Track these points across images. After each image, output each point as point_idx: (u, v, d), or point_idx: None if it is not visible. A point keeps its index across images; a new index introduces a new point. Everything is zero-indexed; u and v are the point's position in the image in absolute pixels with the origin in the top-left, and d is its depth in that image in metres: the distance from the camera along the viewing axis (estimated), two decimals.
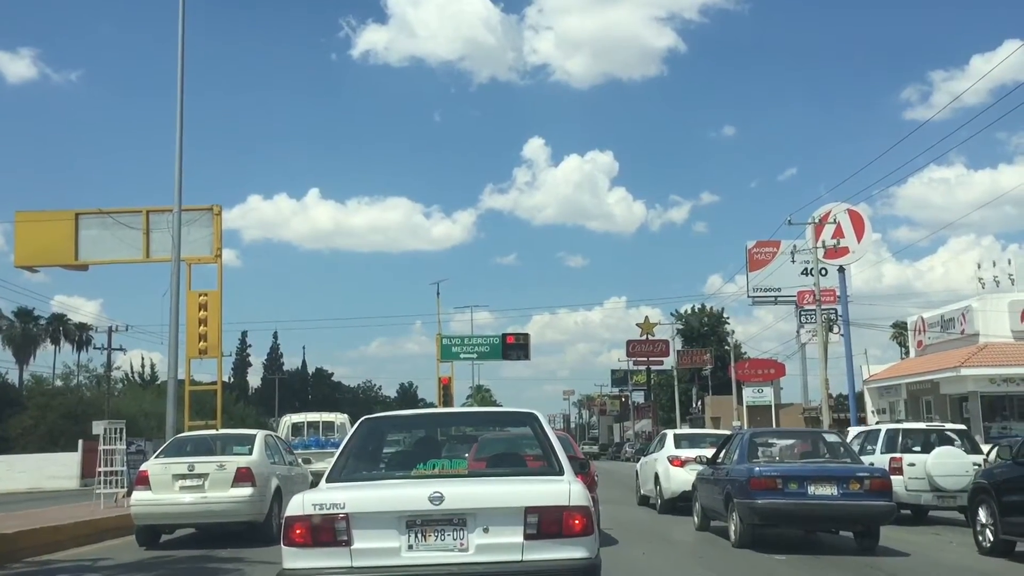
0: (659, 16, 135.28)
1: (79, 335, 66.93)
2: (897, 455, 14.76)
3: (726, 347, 65.17)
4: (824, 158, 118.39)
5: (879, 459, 14.62)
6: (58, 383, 55.27)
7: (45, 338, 68.08)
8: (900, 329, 50.06)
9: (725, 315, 77.14)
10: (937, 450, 14.63)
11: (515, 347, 46.65)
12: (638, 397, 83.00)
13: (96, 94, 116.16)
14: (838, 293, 39.91)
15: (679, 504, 15.63)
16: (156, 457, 13.00)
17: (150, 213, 20.39)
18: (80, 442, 34.67)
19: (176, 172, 18.48)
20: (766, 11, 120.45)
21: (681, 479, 15.62)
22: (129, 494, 13.57)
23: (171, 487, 11.93)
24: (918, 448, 15.20)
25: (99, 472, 16.52)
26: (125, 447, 17.06)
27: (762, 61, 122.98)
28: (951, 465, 14.17)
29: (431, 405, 70.57)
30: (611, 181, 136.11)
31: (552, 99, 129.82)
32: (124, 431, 17.13)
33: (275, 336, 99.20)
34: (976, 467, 13.69)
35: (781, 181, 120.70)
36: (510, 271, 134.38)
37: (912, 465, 14.44)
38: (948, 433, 15.76)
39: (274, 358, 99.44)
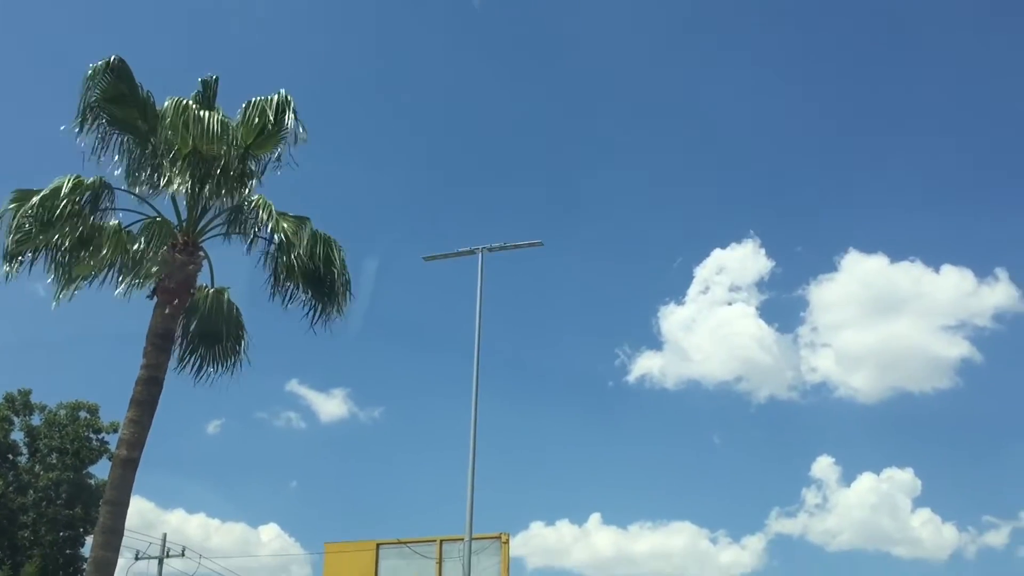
0: (947, 324, 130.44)
1: None
2: None
3: None
4: None
5: None
6: None
7: None
8: None
9: None
10: None
11: None
12: None
13: (395, 429, 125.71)
14: None
15: None
16: None
17: (443, 542, 22.11)
18: None
19: (468, 507, 19.81)
20: None
21: None
22: None
23: None
24: None
25: None
26: None
27: None
28: None
29: None
30: (913, 501, 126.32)
31: (838, 415, 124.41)
32: None
33: None
34: None
35: None
36: None
37: None
38: None
39: None
